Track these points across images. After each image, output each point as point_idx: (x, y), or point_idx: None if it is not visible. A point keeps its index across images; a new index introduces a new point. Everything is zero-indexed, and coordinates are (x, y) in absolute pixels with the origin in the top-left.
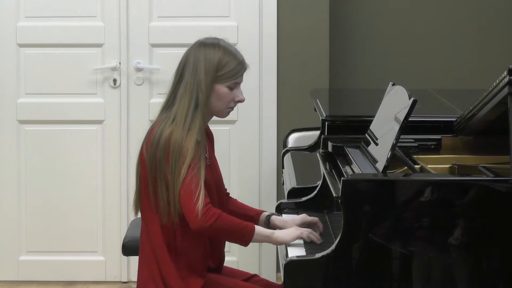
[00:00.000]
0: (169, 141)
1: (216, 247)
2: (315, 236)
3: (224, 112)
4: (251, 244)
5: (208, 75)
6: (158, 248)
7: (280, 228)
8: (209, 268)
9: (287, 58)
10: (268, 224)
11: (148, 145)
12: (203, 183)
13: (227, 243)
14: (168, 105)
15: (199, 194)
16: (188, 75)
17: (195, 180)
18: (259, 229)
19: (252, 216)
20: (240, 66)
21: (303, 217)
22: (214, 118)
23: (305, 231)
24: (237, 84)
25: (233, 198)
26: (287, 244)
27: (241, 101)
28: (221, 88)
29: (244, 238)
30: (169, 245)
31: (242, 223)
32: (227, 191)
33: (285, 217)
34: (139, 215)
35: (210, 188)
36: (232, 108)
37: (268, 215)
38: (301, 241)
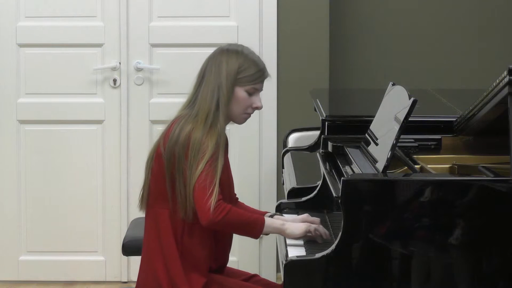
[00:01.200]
0: (189, 137)
1: (221, 249)
2: (322, 230)
3: (241, 117)
4: (251, 244)
5: (229, 77)
6: (166, 243)
7: None
8: (210, 268)
9: (287, 58)
10: None
11: (166, 141)
12: (218, 181)
13: (232, 243)
14: (190, 104)
15: (212, 190)
16: (210, 77)
17: (210, 176)
18: (269, 221)
19: None
20: (260, 73)
21: (305, 217)
22: None
23: (313, 226)
24: (256, 90)
25: (240, 202)
26: (287, 244)
27: (259, 108)
28: (240, 92)
29: (254, 231)
30: (177, 240)
31: (252, 216)
32: (236, 195)
33: (287, 217)
34: (140, 214)
35: (223, 189)
36: (249, 115)
37: (270, 216)
38: (301, 242)
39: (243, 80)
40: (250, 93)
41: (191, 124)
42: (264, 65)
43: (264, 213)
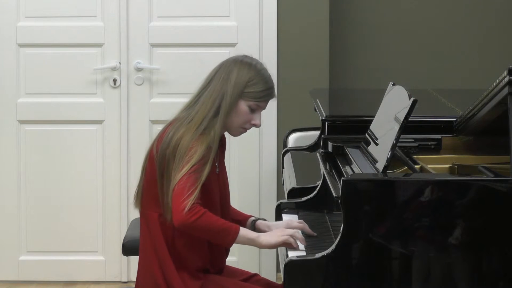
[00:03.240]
0: (179, 141)
1: (217, 254)
2: (298, 237)
3: (237, 130)
4: None
5: (236, 88)
6: (159, 246)
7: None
8: (208, 272)
9: (287, 58)
10: (254, 229)
11: (159, 143)
12: (200, 186)
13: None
14: (190, 106)
15: (192, 193)
16: (216, 83)
17: (193, 180)
18: (244, 231)
19: (240, 221)
20: (268, 92)
21: (289, 223)
22: None
23: (289, 235)
24: (259, 107)
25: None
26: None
27: (257, 126)
28: (243, 105)
29: (227, 239)
30: (168, 243)
31: (225, 224)
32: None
33: (270, 223)
34: (140, 212)
35: (214, 197)
36: (245, 130)
37: (254, 220)
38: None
39: (249, 94)
40: (253, 109)
41: (184, 128)
42: (273, 84)
43: (248, 217)
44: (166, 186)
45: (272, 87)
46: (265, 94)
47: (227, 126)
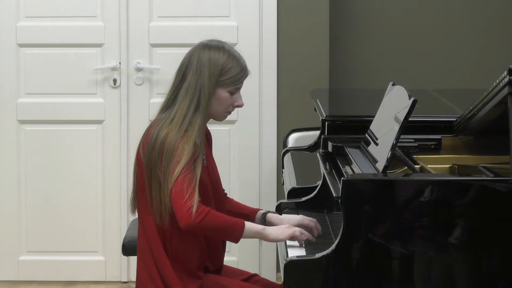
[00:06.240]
0: (164, 142)
1: (215, 251)
2: (306, 235)
3: (222, 116)
4: (251, 243)
5: (212, 79)
6: (155, 248)
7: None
8: (208, 270)
9: (287, 58)
10: (264, 222)
11: (144, 146)
12: (198, 184)
13: (226, 243)
14: (168, 105)
15: (191, 193)
16: (190, 77)
17: (188, 179)
18: (249, 225)
19: (247, 215)
20: (243, 73)
21: (301, 219)
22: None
23: (298, 230)
24: (238, 89)
25: (229, 198)
26: (287, 244)
27: (240, 106)
28: (223, 93)
29: (234, 235)
30: (165, 245)
31: (231, 220)
32: (225, 191)
33: (284, 216)
34: (137, 215)
35: (206, 189)
36: (230, 113)
37: (264, 213)
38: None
39: (226, 81)
40: (232, 93)
41: (166, 128)
42: (245, 62)
43: (256, 211)
44: (155, 189)
45: (245, 66)
46: (241, 76)
47: (211, 115)
